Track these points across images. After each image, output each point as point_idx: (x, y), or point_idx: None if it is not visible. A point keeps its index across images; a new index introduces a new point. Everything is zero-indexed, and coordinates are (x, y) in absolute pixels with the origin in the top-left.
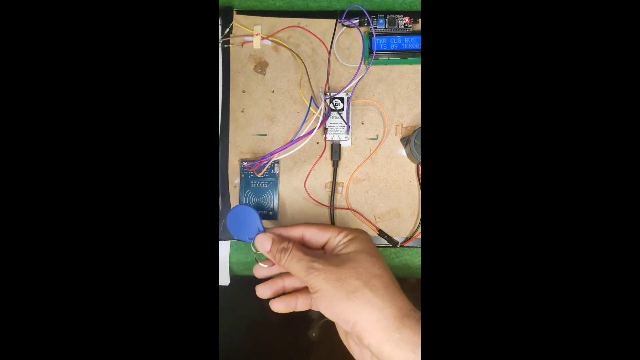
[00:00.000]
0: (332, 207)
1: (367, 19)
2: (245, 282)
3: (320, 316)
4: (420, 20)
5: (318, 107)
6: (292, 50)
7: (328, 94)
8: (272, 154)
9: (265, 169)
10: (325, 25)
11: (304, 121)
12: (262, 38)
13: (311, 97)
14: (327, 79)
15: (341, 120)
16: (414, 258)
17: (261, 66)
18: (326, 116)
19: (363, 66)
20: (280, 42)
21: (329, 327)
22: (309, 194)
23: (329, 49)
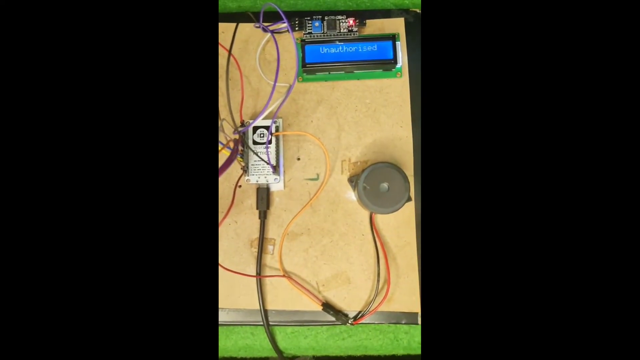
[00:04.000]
0: (259, 275)
1: (300, 22)
2: None
3: None
4: (366, 22)
5: (222, 142)
6: None
7: (242, 121)
8: None
9: None
10: (248, 31)
11: None
12: None
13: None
14: (229, 102)
15: (263, 160)
16: (371, 338)
17: None
18: (233, 153)
19: (287, 84)
20: None
21: None
22: (221, 266)
23: (228, 61)
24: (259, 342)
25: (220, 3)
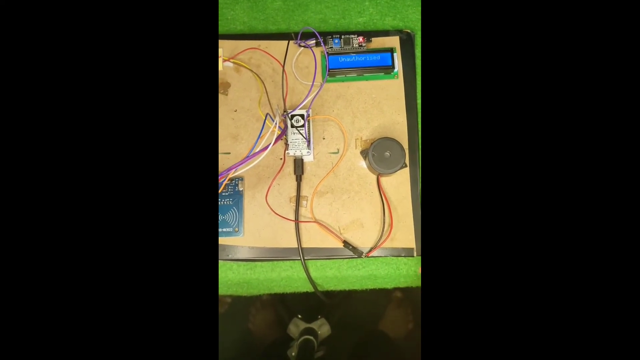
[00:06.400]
0: (297, 220)
1: (324, 40)
2: (226, 306)
3: (299, 335)
4: (372, 39)
5: (274, 121)
6: (253, 71)
7: (285, 110)
8: (228, 170)
9: (223, 186)
10: (283, 47)
11: (259, 137)
12: (224, 60)
13: (266, 114)
14: (284, 97)
15: (302, 136)
16: (379, 268)
17: (224, 87)
18: (282, 131)
19: (318, 83)
20: (242, 63)
21: (307, 346)
22: (271, 209)
23: (283, 67)
24: (297, 273)
25: (263, 27)
